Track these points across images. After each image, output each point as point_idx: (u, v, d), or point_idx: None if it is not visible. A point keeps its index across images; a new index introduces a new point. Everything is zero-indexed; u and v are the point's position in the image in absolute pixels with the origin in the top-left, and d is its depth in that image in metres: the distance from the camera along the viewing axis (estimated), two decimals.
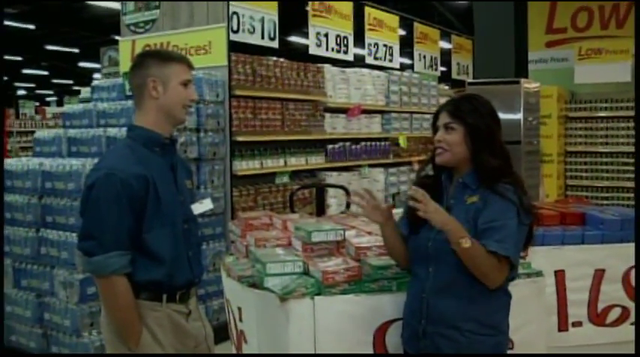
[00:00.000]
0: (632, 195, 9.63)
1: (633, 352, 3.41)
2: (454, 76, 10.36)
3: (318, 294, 2.71)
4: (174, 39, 5.70)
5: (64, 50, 22.00)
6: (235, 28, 5.67)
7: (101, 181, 2.42)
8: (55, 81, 31.11)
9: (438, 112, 2.58)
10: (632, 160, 9.65)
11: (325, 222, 3.44)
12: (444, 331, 2.36)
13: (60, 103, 26.65)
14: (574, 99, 10.00)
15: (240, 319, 3.02)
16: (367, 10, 7.96)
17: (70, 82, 30.61)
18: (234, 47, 5.61)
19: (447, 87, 10.71)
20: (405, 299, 2.57)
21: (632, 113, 9.57)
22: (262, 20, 6.06)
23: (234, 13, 5.61)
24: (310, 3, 6.94)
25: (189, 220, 2.63)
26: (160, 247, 2.46)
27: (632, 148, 9.57)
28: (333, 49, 7.21)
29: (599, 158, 9.86)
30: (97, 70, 21.66)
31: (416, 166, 8.35)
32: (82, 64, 24.37)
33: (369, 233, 3.28)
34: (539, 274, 2.98)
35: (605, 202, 9.29)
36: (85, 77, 25.03)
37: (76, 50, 22.11)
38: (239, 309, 3.03)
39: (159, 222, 2.46)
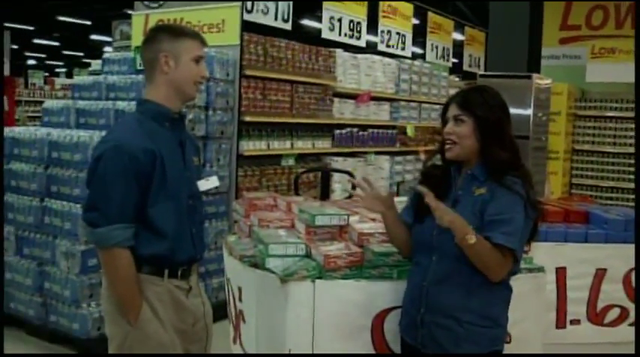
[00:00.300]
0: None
1: (632, 352, 3.42)
2: (465, 67, 10.31)
3: (319, 277, 2.72)
4: (188, 15, 5.68)
5: (76, 22, 21.93)
6: (249, 7, 5.64)
7: (109, 154, 2.42)
8: (65, 52, 31.04)
9: (448, 104, 2.57)
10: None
11: (329, 206, 3.45)
12: (442, 321, 2.37)
13: (69, 75, 26.66)
14: (584, 97, 9.94)
15: (240, 299, 3.03)
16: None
17: (81, 54, 30.54)
18: (246, 27, 5.58)
19: (457, 79, 10.69)
20: (406, 287, 2.57)
21: None
22: (277, 1, 6.02)
23: None
24: None
25: (195, 197, 2.63)
26: (163, 222, 2.46)
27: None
28: (345, 35, 7.17)
29: (606, 158, 9.81)
30: (108, 44, 21.60)
31: (423, 156, 8.35)
32: (93, 37, 24.29)
33: (373, 220, 3.28)
34: (540, 269, 2.98)
35: (609, 202, 9.26)
36: (96, 50, 24.95)
37: (88, 22, 22.04)
38: (239, 288, 3.04)
39: (164, 196, 2.46)
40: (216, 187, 2.89)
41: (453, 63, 9.92)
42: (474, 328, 2.34)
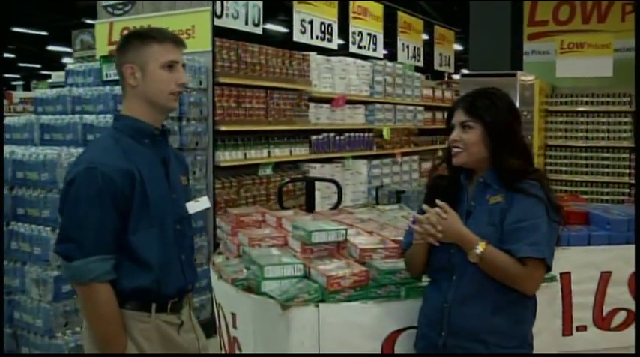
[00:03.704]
0: (610, 190, 9.62)
1: (633, 353, 3.30)
2: (436, 67, 10.19)
3: (321, 300, 2.51)
4: (155, 21, 5.40)
5: (31, 33, 21.35)
6: (219, 12, 5.41)
7: (81, 177, 2.17)
8: (21, 64, 30.29)
9: (453, 109, 2.38)
10: (610, 155, 9.63)
11: (323, 220, 3.23)
12: (468, 344, 2.18)
13: (27, 88, 25.95)
14: (555, 93, 9.92)
15: (234, 326, 2.80)
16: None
17: (38, 66, 29.83)
18: (216, 32, 5.34)
19: (423, 76, 10.50)
20: (421, 308, 2.38)
21: (612, 108, 9.54)
22: (246, 5, 5.80)
23: None
24: None
25: (183, 221, 2.38)
26: (147, 251, 2.21)
27: (611, 143, 9.55)
28: (317, 37, 6.98)
29: (579, 153, 9.82)
30: (68, 54, 21.10)
31: (399, 159, 8.20)
32: (50, 48, 23.69)
33: (370, 233, 3.09)
34: (552, 278, 2.81)
35: (584, 196, 9.24)
36: (54, 61, 24.37)
37: (45, 33, 21.48)
38: (232, 314, 2.80)
39: (146, 222, 2.21)
40: (208, 208, 2.64)
41: (422, 63, 9.78)
42: (502, 350, 2.16)
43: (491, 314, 2.17)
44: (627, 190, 9.54)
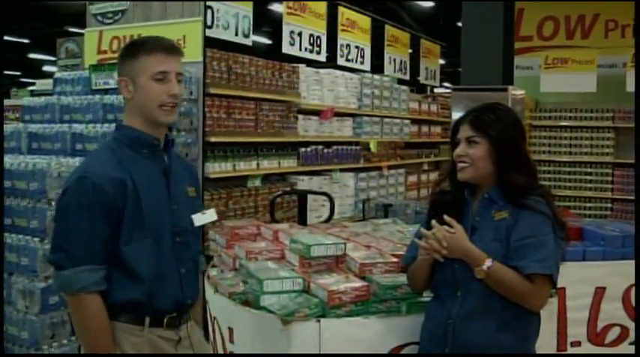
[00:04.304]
0: (592, 205, 9.72)
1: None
2: (422, 80, 10.23)
3: (322, 315, 2.48)
4: (146, 31, 5.34)
5: (12, 40, 21.14)
6: (209, 23, 5.38)
7: (73, 186, 2.16)
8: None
9: (458, 124, 2.37)
10: (593, 170, 9.74)
11: (319, 233, 3.21)
12: None
13: (7, 95, 25.65)
14: (538, 108, 10.03)
15: (231, 341, 2.75)
16: (341, 10, 7.73)
17: (18, 73, 29.52)
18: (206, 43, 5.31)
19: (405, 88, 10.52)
20: (423, 323, 2.36)
21: (595, 123, 9.66)
22: (237, 16, 5.78)
23: (209, 7, 5.32)
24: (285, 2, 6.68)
25: (184, 233, 2.32)
26: (138, 262, 2.17)
27: (594, 158, 9.66)
28: (306, 49, 6.97)
29: (562, 168, 9.92)
30: (49, 62, 20.91)
31: (385, 172, 8.19)
32: (32, 56, 23.46)
33: (368, 247, 3.06)
34: (552, 294, 2.80)
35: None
36: (34, 69, 24.12)
37: (26, 41, 21.28)
38: (229, 329, 2.76)
39: (140, 233, 2.18)
40: (213, 223, 2.59)
41: (409, 76, 9.81)
42: None
43: (497, 330, 2.16)
44: (610, 205, 9.65)
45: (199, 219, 2.37)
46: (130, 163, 2.22)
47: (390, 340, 2.49)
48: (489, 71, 6.08)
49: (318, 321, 2.42)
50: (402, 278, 2.57)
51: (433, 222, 2.21)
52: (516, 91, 6.34)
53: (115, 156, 2.23)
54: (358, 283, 2.55)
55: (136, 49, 2.27)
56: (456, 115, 6.09)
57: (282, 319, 2.41)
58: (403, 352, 2.49)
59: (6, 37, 20.51)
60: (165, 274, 2.24)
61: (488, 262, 2.10)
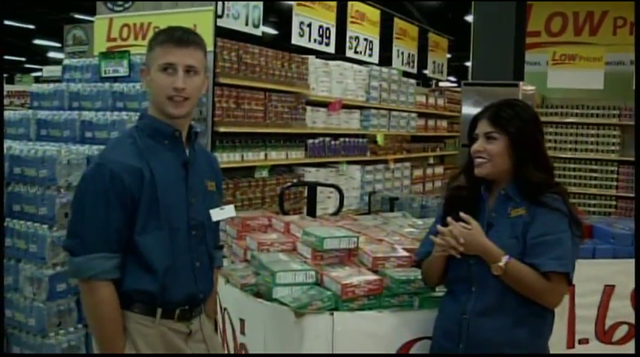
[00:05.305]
0: (597, 202, 9.70)
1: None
2: (430, 74, 10.21)
3: (335, 308, 2.48)
4: (156, 20, 5.33)
5: (17, 25, 21.09)
6: (220, 12, 5.36)
7: (90, 173, 2.17)
8: (5, 57, 29.90)
9: (477, 120, 2.36)
10: (598, 167, 9.72)
11: (332, 226, 3.20)
12: None
13: (10, 81, 25.64)
14: (545, 103, 9.99)
15: (243, 332, 2.75)
16: (350, 2, 7.69)
17: (22, 59, 29.48)
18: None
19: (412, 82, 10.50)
20: (437, 318, 2.35)
21: (601, 121, 9.63)
22: (247, 6, 5.75)
23: None
24: None
25: (200, 226, 2.29)
26: (152, 253, 2.15)
27: (599, 156, 9.63)
28: (315, 41, 6.94)
29: (567, 164, 9.88)
30: (55, 49, 20.88)
31: (392, 165, 8.18)
32: (37, 42, 23.41)
33: (380, 240, 3.06)
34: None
35: None
36: (39, 55, 24.07)
37: (32, 26, 21.22)
38: (241, 320, 2.76)
39: (155, 224, 2.16)
40: (232, 218, 2.56)
41: (416, 69, 9.78)
42: None
43: (512, 327, 2.15)
44: (614, 203, 9.63)
45: (217, 214, 2.35)
46: (149, 153, 2.20)
47: (403, 334, 2.48)
48: (500, 67, 6.05)
49: (332, 314, 2.42)
50: (415, 273, 2.57)
51: (449, 219, 2.20)
52: (527, 87, 6.30)
53: (135, 145, 2.21)
54: (371, 277, 2.55)
55: (152, 39, 2.27)
56: (466, 109, 6.06)
57: (295, 312, 2.41)
58: (416, 346, 2.48)
59: (11, 23, 20.49)
60: (180, 266, 2.23)
61: (505, 259, 2.10)
